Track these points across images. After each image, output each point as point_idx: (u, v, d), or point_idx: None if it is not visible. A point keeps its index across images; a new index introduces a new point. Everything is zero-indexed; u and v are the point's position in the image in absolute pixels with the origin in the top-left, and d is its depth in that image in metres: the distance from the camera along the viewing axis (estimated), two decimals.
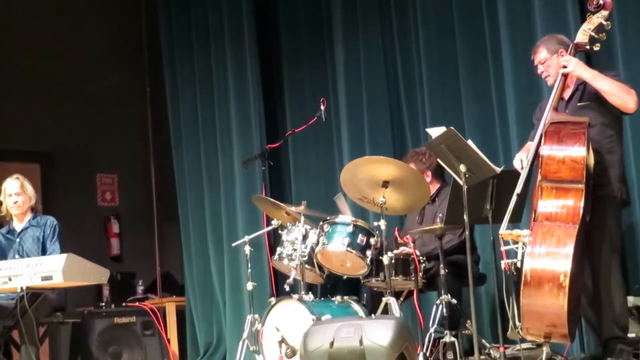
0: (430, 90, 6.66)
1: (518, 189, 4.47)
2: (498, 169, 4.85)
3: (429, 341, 5.19)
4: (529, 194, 4.70)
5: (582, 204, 4.33)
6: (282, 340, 5.09)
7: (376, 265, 5.35)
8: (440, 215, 5.25)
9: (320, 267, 5.63)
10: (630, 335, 4.82)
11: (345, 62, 7.20)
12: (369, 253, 5.36)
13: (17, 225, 6.31)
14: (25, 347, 5.68)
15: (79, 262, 5.47)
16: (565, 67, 4.63)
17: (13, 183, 6.26)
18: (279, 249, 5.73)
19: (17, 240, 6.26)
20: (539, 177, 4.46)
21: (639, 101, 4.57)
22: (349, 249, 5.35)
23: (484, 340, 5.37)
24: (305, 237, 5.58)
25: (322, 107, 6.33)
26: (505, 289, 4.70)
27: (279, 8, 7.99)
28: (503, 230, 4.42)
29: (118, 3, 9.25)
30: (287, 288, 5.54)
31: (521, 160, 4.70)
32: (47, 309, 6.07)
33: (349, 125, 7.14)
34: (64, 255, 5.40)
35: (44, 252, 6.17)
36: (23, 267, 5.44)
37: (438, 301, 5.24)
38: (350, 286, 5.80)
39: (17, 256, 6.17)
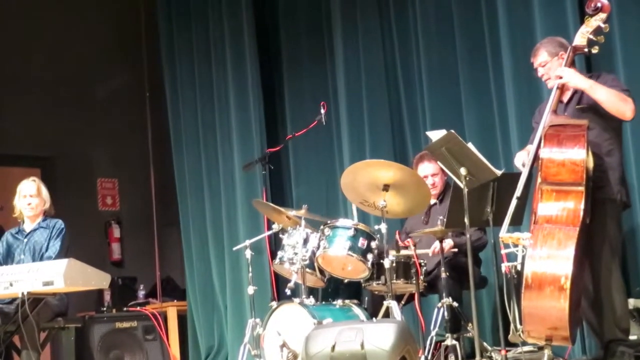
0: (430, 93, 6.67)
1: (518, 192, 4.48)
2: (498, 172, 4.86)
3: (430, 344, 5.19)
4: (529, 196, 4.71)
5: (582, 206, 4.34)
6: (284, 344, 5.09)
7: (377, 269, 5.36)
8: (441, 218, 5.25)
9: (321, 271, 5.63)
10: (632, 337, 4.82)
11: (345, 66, 7.21)
12: (370, 257, 5.36)
13: (27, 226, 6.35)
14: (26, 353, 5.68)
15: (80, 267, 5.46)
16: (560, 77, 4.64)
17: (30, 185, 6.32)
18: (280, 253, 5.73)
19: (25, 240, 6.28)
20: (539, 180, 4.47)
21: (636, 109, 4.57)
22: (350, 252, 5.36)
23: (485, 344, 5.37)
24: (306, 241, 5.58)
25: (323, 111, 6.34)
26: (506, 292, 4.71)
27: (279, 12, 8.00)
28: (503, 234, 4.42)
29: (118, 8, 9.25)
30: (288, 292, 5.54)
31: (522, 164, 4.71)
32: (48, 314, 6.07)
33: (350, 128, 7.14)
34: (65, 260, 5.39)
35: (47, 251, 6.20)
36: (24, 273, 5.44)
37: (439, 304, 5.24)
38: (351, 290, 5.81)
39: (23, 255, 6.21)
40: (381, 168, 5.25)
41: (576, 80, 4.62)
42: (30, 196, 6.30)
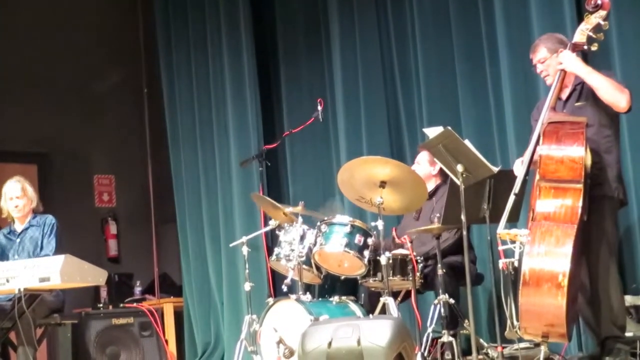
0: (427, 90, 6.67)
1: (515, 188, 4.47)
2: (495, 169, 4.86)
3: (426, 341, 5.19)
4: (526, 193, 4.71)
5: (580, 203, 4.34)
6: (280, 341, 5.09)
7: (374, 266, 5.36)
8: (438, 215, 5.25)
9: (318, 268, 5.63)
10: (628, 334, 4.82)
11: (342, 63, 7.20)
12: (366, 253, 5.36)
13: (18, 226, 6.33)
14: (22, 349, 5.68)
15: (76, 264, 5.46)
16: (561, 63, 4.65)
17: (14, 186, 6.28)
18: (276, 250, 5.73)
19: (18, 240, 6.27)
20: (537, 177, 4.47)
21: (632, 101, 4.58)
22: (346, 249, 5.36)
23: (481, 340, 5.37)
24: (302, 238, 5.59)
25: (320, 108, 6.35)
26: (503, 289, 4.71)
27: (276, 8, 8.00)
28: (501, 230, 4.42)
29: (115, 4, 9.24)
30: (284, 288, 5.55)
31: (522, 162, 4.71)
32: (44, 310, 6.05)
33: (346, 125, 7.13)
34: (62, 257, 5.39)
35: (42, 250, 6.18)
36: (21, 269, 5.44)
37: (436, 301, 5.24)
38: (348, 286, 5.80)
39: (16, 256, 6.20)
40: (378, 165, 5.25)
41: (574, 65, 4.63)
42: (16, 198, 6.27)
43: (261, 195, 6.44)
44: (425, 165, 5.88)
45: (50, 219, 6.30)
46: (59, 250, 6.09)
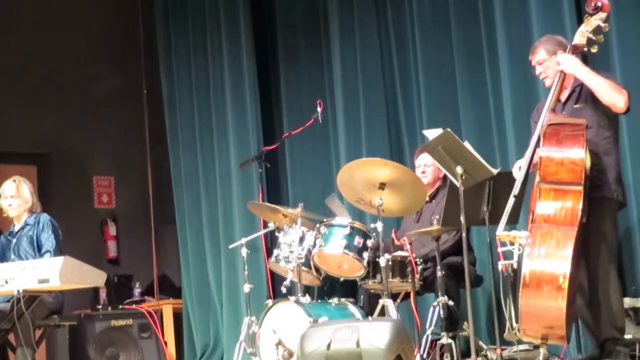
0: (427, 91, 6.66)
1: (515, 190, 4.47)
2: (495, 171, 4.85)
3: (426, 343, 5.19)
4: (526, 195, 4.70)
5: (580, 206, 4.33)
6: (279, 343, 5.09)
7: (373, 267, 5.35)
8: (437, 216, 5.25)
9: (317, 269, 5.62)
10: (627, 336, 4.82)
11: (342, 64, 7.20)
12: (365, 255, 5.35)
13: (16, 226, 6.37)
14: (21, 350, 5.68)
15: (75, 265, 5.46)
16: (560, 65, 4.65)
17: (10, 186, 6.31)
18: (275, 251, 5.73)
19: (14, 240, 6.29)
20: (537, 179, 4.47)
21: (632, 107, 4.57)
22: (345, 251, 5.35)
23: (480, 342, 5.36)
24: (302, 239, 5.58)
25: (319, 109, 6.35)
26: (502, 291, 4.70)
27: (276, 10, 8.00)
28: (500, 232, 4.42)
29: (115, 6, 9.24)
30: (284, 290, 5.55)
31: (519, 168, 4.71)
32: (43, 311, 6.06)
33: (346, 127, 7.13)
34: (61, 258, 5.39)
35: (39, 249, 6.19)
36: (20, 270, 5.44)
37: (435, 303, 5.24)
38: (347, 288, 5.80)
39: (13, 256, 6.22)
40: (377, 166, 5.24)
41: (573, 67, 4.63)
42: (10, 197, 6.30)
43: (258, 203, 6.44)
44: (435, 168, 5.84)
45: (44, 216, 6.32)
46: (58, 249, 6.10)
